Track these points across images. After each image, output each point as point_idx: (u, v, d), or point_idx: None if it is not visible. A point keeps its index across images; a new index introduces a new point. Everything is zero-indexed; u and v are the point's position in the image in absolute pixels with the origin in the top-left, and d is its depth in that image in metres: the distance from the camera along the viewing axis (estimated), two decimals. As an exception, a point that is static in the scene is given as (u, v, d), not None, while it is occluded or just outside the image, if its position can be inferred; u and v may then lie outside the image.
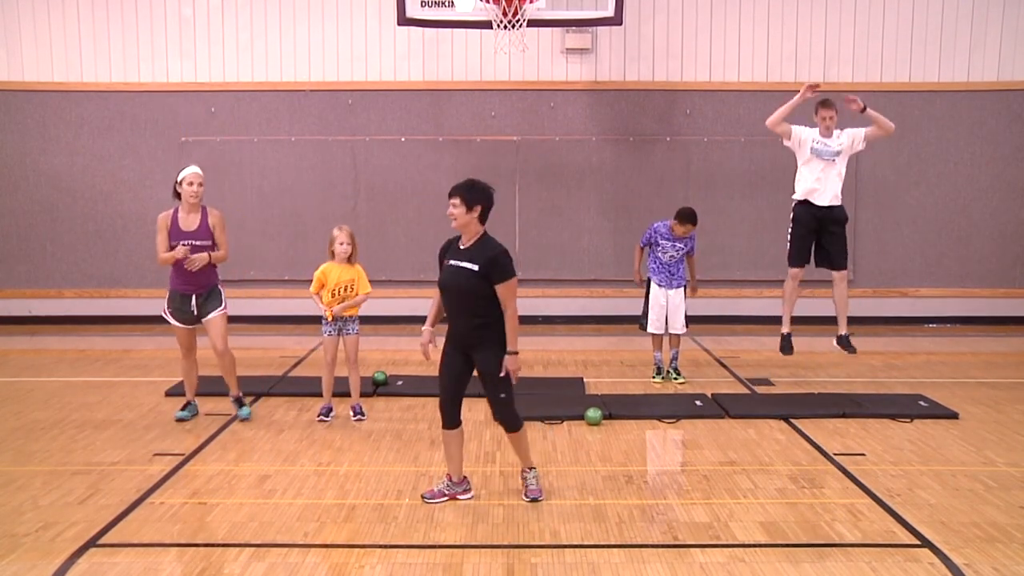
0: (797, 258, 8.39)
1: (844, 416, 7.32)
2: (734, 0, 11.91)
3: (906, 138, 12.01)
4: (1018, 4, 11.83)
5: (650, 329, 8.58)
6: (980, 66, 11.90)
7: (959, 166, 12.03)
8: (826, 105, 8.34)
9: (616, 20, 10.04)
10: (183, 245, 6.91)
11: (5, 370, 9.41)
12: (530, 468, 5.53)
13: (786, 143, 8.44)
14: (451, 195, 5.24)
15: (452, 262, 5.33)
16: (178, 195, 7.02)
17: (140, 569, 4.51)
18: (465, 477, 5.54)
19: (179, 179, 7.01)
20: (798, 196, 8.38)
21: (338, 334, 7.23)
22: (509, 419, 5.39)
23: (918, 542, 4.85)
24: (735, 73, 11.99)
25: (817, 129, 8.37)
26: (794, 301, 8.59)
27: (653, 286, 8.57)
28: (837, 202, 8.31)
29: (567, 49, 11.90)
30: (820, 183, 8.28)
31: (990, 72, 11.91)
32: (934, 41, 11.92)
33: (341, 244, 7.11)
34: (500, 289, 5.14)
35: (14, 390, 8.36)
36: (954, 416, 7.35)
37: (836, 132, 8.41)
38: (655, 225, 8.55)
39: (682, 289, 8.56)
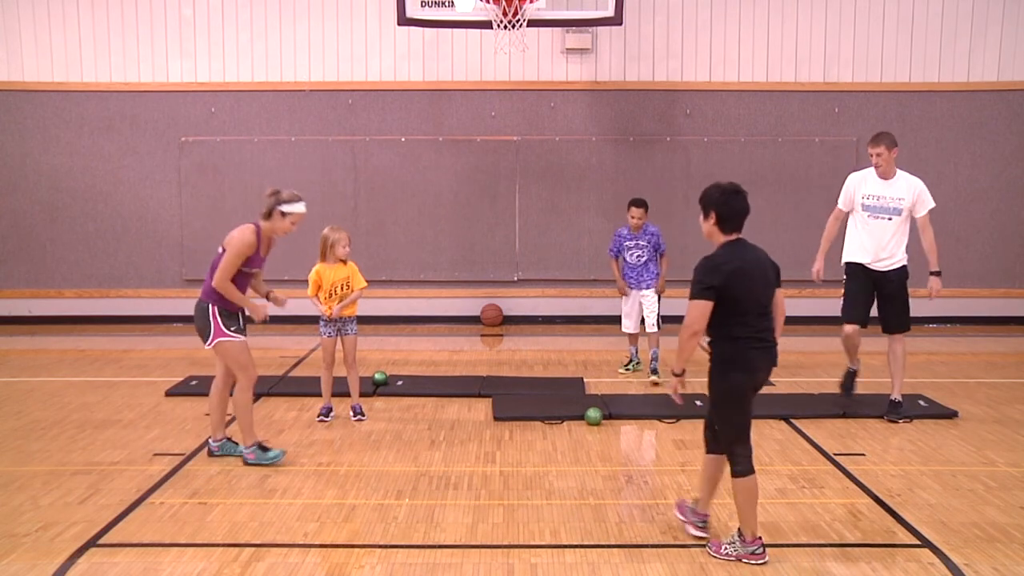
0: (848, 314, 7.21)
1: (844, 416, 7.32)
2: (734, 0, 11.92)
3: (906, 138, 11.97)
4: (1018, 4, 11.83)
5: (623, 329, 8.92)
6: (980, 66, 11.90)
7: (959, 166, 12.03)
8: (874, 141, 7.00)
9: (616, 20, 10.04)
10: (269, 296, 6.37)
11: (5, 370, 9.41)
12: (738, 532, 4.63)
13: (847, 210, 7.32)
14: (699, 202, 4.74)
15: None
16: (268, 215, 6.02)
17: (140, 569, 4.51)
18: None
19: (287, 210, 5.97)
20: (845, 258, 7.28)
21: (337, 334, 7.23)
22: (728, 455, 4.63)
23: (918, 542, 4.85)
24: (735, 73, 11.99)
25: (870, 171, 7.12)
26: (855, 350, 7.33)
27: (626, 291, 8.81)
28: (896, 265, 7.08)
29: (567, 49, 11.89)
30: (872, 244, 7.08)
31: (990, 72, 11.91)
32: (934, 41, 11.92)
33: (344, 247, 7.12)
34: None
35: (14, 390, 8.36)
36: (954, 416, 7.34)
37: (897, 177, 7.03)
38: (616, 231, 8.82)
39: (652, 289, 8.63)
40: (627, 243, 8.65)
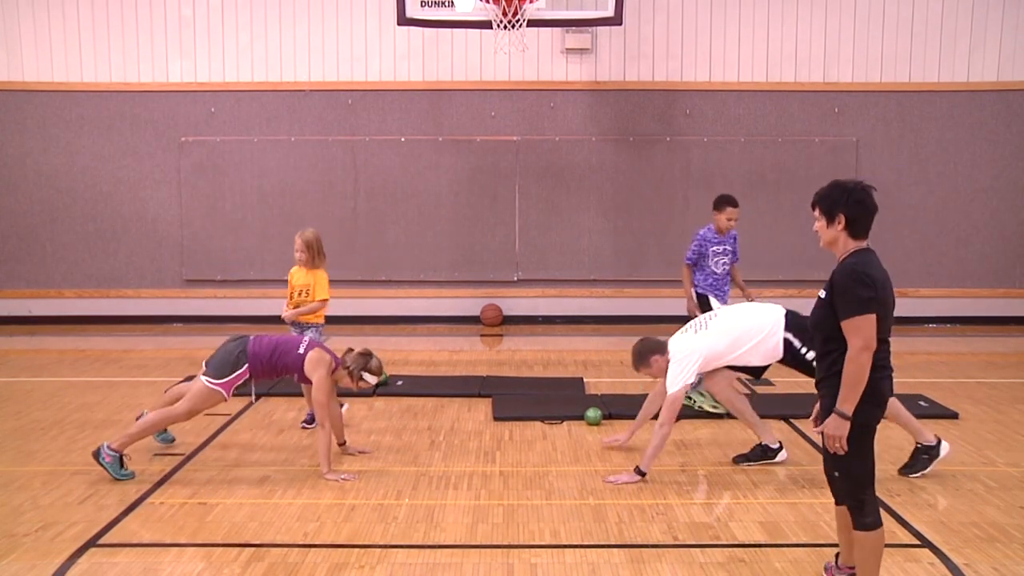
0: None
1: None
2: (734, 0, 11.92)
3: (906, 138, 12.03)
4: (1018, 4, 11.84)
5: None
6: (980, 66, 11.90)
7: (959, 166, 12.03)
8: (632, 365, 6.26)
9: (616, 20, 10.04)
10: None
11: (5, 370, 9.41)
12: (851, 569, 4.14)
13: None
14: (812, 206, 4.01)
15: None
16: (348, 370, 6.10)
17: (140, 569, 4.51)
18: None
19: (367, 378, 6.13)
20: None
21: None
22: (849, 505, 3.96)
23: (918, 542, 4.85)
24: (735, 73, 11.99)
25: None
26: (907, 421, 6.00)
27: (713, 303, 7.38)
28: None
29: (567, 49, 11.90)
30: None
31: (990, 72, 11.91)
32: (934, 41, 11.92)
33: (296, 251, 6.95)
34: (843, 324, 3.81)
35: (14, 390, 8.36)
36: (954, 416, 7.34)
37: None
38: (699, 233, 7.53)
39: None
40: (714, 248, 7.40)
